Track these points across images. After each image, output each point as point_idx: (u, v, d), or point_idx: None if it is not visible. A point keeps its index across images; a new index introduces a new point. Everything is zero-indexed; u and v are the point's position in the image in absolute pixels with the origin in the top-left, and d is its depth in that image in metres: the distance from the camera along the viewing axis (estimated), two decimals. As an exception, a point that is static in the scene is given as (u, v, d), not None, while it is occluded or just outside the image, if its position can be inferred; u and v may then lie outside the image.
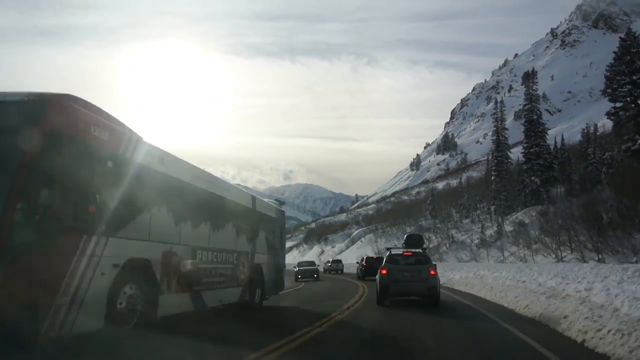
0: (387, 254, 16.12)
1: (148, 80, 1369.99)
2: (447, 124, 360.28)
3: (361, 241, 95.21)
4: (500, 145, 68.19)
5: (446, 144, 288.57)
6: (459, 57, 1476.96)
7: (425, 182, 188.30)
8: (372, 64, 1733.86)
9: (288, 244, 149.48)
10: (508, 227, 52.37)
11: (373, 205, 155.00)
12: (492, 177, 68.53)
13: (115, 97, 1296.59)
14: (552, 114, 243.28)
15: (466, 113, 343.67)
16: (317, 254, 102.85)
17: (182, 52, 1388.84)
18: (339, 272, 49.07)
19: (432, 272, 14.51)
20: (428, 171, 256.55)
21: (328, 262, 54.74)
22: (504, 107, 75.95)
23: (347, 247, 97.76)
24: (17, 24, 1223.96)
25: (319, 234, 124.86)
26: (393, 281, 14.44)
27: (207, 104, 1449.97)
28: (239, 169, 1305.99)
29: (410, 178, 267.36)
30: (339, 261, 52.53)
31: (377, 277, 15.23)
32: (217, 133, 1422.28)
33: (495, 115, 72.95)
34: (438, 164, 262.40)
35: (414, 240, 17.37)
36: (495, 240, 51.67)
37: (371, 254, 51.82)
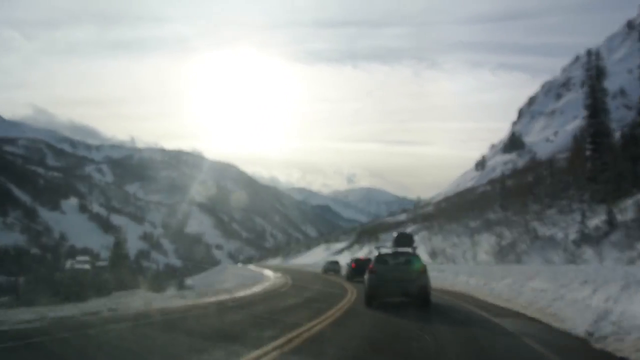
0: (376, 253, 15.97)
1: (216, 87, 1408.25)
2: (514, 123, 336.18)
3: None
4: (597, 110, 50.40)
5: (513, 142, 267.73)
6: (522, 58, 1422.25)
7: (492, 181, 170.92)
8: (433, 68, 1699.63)
9: (340, 245, 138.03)
10: (622, 216, 34.96)
11: (434, 205, 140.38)
12: (588, 153, 50.52)
13: (186, 104, 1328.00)
14: (629, 109, 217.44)
15: (534, 111, 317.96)
16: (365, 254, 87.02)
17: (247, 59, 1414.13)
18: (336, 272, 48.95)
19: (422, 272, 14.46)
20: (494, 171, 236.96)
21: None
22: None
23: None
24: (97, 38, 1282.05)
25: (371, 233, 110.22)
26: (382, 281, 14.46)
27: (272, 110, 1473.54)
28: (304, 172, 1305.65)
29: (475, 179, 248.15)
30: (336, 262, 52.40)
31: (366, 277, 15.16)
32: (282, 137, 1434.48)
33: (589, 72, 55.01)
34: (505, 164, 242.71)
35: (403, 240, 17.17)
36: (605, 234, 34.10)
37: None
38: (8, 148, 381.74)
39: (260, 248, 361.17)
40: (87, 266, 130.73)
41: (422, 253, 52.52)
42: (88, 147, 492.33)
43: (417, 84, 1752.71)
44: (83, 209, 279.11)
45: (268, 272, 50.13)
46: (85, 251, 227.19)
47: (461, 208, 76.37)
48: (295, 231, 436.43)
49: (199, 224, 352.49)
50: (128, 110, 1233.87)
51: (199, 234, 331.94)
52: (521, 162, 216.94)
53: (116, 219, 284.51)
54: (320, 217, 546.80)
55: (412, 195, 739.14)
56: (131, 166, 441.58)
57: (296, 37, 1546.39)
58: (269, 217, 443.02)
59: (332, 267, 49.81)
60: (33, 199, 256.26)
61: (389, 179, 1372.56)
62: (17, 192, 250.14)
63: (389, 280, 14.45)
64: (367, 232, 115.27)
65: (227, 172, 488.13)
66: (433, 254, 53.33)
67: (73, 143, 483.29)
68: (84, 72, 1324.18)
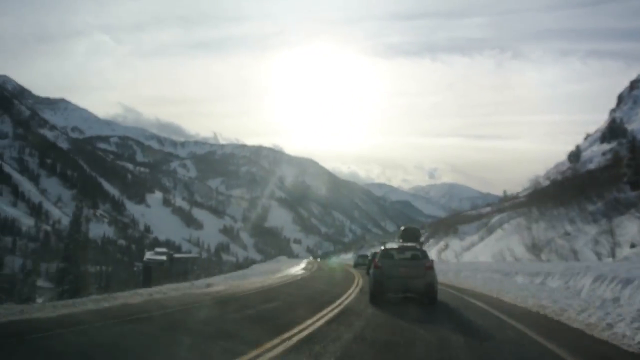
0: (381, 248, 15.55)
1: (295, 83, 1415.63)
2: (613, 110, 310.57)
3: (503, 229, 67.50)
4: None
5: (613, 131, 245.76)
6: (615, 44, 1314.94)
7: (590, 172, 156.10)
8: (517, 58, 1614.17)
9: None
10: None
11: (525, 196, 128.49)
12: None
13: (266, 101, 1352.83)
14: None
15: (637, 96, 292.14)
16: (439, 250, 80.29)
17: (325, 55, 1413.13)
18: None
19: (429, 268, 13.96)
20: (590, 162, 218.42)
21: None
22: None
23: (481, 238, 71.98)
24: (181, 38, 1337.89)
25: (449, 225, 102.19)
26: (387, 277, 13.89)
27: (351, 105, 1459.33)
28: (383, 167, 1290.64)
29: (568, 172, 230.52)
30: (366, 256, 50.06)
31: (371, 272, 15.04)
32: (361, 133, 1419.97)
33: None
34: (603, 154, 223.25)
35: (410, 234, 18.47)
36: None
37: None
38: (101, 145, 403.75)
39: (338, 243, 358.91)
40: (163, 257, 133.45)
41: (518, 246, 45.05)
42: (174, 143, 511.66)
43: (500, 75, 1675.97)
44: (167, 202, 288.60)
45: (297, 267, 48.14)
46: (167, 244, 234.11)
47: (570, 191, 57.61)
48: (375, 227, 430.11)
49: (278, 219, 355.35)
50: (210, 108, 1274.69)
51: (278, 228, 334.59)
52: (623, 152, 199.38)
53: (198, 213, 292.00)
54: (400, 213, 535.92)
55: (496, 191, 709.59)
56: (214, 161, 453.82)
57: (374, 31, 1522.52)
58: (348, 212, 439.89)
59: (361, 261, 49.32)
60: (121, 193, 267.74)
61: (472, 175, 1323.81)
62: (107, 186, 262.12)
63: (394, 277, 13.89)
64: (444, 225, 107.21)
65: (306, 168, 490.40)
66: (534, 248, 41.14)
67: (160, 140, 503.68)
68: (169, 72, 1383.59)
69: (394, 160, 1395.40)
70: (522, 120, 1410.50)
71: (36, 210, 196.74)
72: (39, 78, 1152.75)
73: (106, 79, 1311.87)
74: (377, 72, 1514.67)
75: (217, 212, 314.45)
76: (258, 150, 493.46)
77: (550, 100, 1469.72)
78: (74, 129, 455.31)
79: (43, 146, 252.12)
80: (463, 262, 47.76)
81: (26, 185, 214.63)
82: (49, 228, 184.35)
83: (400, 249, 15.60)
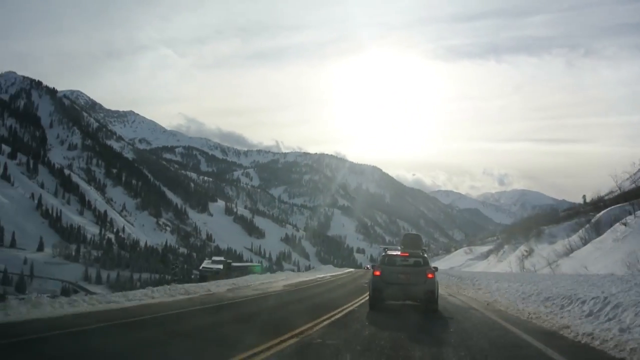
0: (382, 254, 15.60)
1: (355, 90, 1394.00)
2: None
3: (627, 224, 44.73)
4: None
5: None
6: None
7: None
8: (589, 56, 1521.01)
9: (485, 248, 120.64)
10: None
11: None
12: None
13: (326, 109, 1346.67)
14: None
15: None
16: (520, 257, 69.56)
17: (385, 61, 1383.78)
18: None
19: (430, 275, 13.92)
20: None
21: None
22: None
23: (584, 240, 52.86)
24: (240, 50, 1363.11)
25: (527, 227, 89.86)
26: (387, 284, 13.92)
27: (413, 111, 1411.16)
28: (449, 174, 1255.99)
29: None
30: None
31: (370, 279, 14.84)
32: (425, 139, 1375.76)
33: None
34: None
35: (411, 241, 16.90)
36: None
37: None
38: (167, 155, 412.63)
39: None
40: (220, 266, 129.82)
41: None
42: (237, 152, 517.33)
43: (571, 75, 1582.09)
44: (229, 211, 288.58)
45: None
46: (228, 252, 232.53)
47: None
48: (442, 235, 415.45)
49: (340, 227, 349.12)
50: (271, 117, 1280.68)
51: (341, 237, 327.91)
52: None
53: (259, 222, 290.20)
54: (469, 222, 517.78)
55: (572, 197, 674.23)
56: (276, 170, 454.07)
57: (434, 34, 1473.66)
58: (413, 221, 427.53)
59: None
60: (184, 202, 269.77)
61: (544, 181, 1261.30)
62: (170, 195, 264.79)
63: (394, 283, 13.85)
64: (523, 228, 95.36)
65: (370, 175, 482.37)
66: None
67: (223, 149, 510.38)
68: (230, 83, 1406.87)
69: (461, 166, 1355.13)
70: (597, 122, 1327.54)
71: (101, 219, 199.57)
72: (109, 92, 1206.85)
73: (170, 91, 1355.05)
74: (439, 76, 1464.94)
75: (279, 220, 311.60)
76: (320, 158, 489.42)
77: (627, 100, 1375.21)
78: (141, 140, 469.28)
79: (109, 156, 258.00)
80: (572, 275, 28.90)
81: (92, 194, 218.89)
82: (112, 236, 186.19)
83: (402, 256, 15.25)
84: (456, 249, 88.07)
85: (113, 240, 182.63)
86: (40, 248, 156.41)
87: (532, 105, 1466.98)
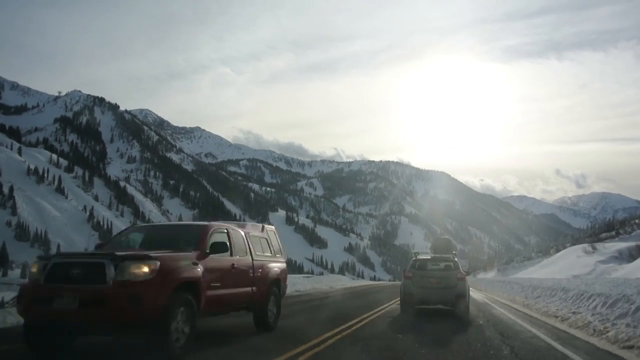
0: (413, 258, 15.21)
1: (412, 97, 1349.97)
2: None
3: None
4: None
5: None
6: None
7: None
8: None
9: (619, 245, 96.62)
10: None
11: None
12: None
13: (385, 117, 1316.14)
14: None
15: None
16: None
17: (439, 66, 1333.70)
18: None
19: (461, 279, 13.60)
20: None
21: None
22: None
23: None
24: (294, 63, 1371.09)
25: (602, 230, 67.98)
26: (418, 287, 13.60)
27: (474, 115, 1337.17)
28: (520, 178, 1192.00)
29: None
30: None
31: (401, 283, 14.62)
32: (490, 144, 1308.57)
33: None
34: None
35: (442, 245, 16.64)
36: None
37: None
38: (232, 168, 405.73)
39: (476, 261, 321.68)
40: None
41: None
42: (301, 163, 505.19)
43: None
44: (290, 221, 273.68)
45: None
46: (288, 263, 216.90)
47: None
48: (517, 242, 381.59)
49: (408, 235, 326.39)
50: (330, 129, 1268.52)
51: (409, 246, 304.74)
52: None
53: (322, 231, 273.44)
54: (546, 227, 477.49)
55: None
56: (340, 179, 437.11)
57: (486, 35, 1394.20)
58: (485, 227, 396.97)
59: None
60: (243, 212, 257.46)
61: (625, 183, 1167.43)
62: (229, 206, 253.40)
63: (424, 287, 13.55)
64: (597, 231, 72.66)
65: (437, 181, 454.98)
66: None
67: (287, 161, 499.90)
68: (287, 97, 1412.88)
69: (531, 170, 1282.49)
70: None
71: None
72: (174, 111, 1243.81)
73: (231, 108, 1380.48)
74: (497, 78, 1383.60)
75: (342, 229, 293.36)
76: (385, 165, 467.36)
77: None
78: (207, 154, 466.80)
79: (167, 168, 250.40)
80: None
81: (148, 205, 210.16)
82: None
83: (432, 260, 14.87)
84: (557, 250, 63.90)
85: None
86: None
87: (601, 104, 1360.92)
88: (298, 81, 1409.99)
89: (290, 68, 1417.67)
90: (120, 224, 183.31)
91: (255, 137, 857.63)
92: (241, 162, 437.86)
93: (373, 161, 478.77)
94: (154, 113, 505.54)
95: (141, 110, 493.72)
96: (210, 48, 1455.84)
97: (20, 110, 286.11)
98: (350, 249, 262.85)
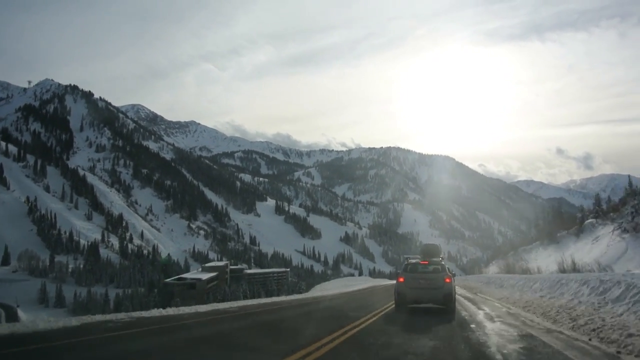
0: (405, 262, 16.16)
1: (396, 88, 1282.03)
2: None
3: None
4: None
5: None
6: None
7: None
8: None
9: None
10: None
11: None
12: None
13: (372, 108, 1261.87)
14: None
15: None
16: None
17: (420, 54, 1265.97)
18: None
19: (448, 280, 14.37)
20: None
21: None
22: None
23: None
24: (275, 57, 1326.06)
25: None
26: (410, 288, 14.45)
27: (462, 102, 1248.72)
28: (522, 163, 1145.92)
29: None
30: None
31: (395, 284, 15.41)
32: (483, 129, 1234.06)
33: None
34: None
35: (430, 250, 17.24)
36: None
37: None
38: (225, 160, 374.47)
39: (486, 248, 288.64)
40: (204, 276, 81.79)
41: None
42: (299, 154, 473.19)
43: (627, 46, 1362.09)
44: (280, 210, 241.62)
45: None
46: (274, 257, 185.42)
47: None
48: (529, 226, 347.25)
49: (412, 223, 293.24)
50: (321, 121, 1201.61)
51: (413, 234, 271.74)
52: None
53: (315, 220, 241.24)
54: (557, 211, 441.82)
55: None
56: (340, 167, 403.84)
57: (468, 20, 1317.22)
58: (495, 212, 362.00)
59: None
60: (227, 202, 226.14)
61: (632, 164, 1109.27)
62: (211, 195, 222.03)
63: (415, 288, 14.36)
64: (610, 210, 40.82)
65: (441, 166, 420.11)
66: None
67: (285, 152, 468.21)
68: (273, 91, 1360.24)
69: (531, 154, 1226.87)
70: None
71: (112, 224, 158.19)
72: (167, 106, 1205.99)
73: (220, 104, 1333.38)
74: (480, 62, 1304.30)
75: (338, 218, 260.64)
76: (387, 151, 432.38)
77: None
78: (202, 148, 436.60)
79: (141, 157, 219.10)
80: None
81: (111, 196, 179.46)
82: (116, 243, 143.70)
83: (422, 264, 15.50)
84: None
85: (116, 247, 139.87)
86: (6, 260, 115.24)
87: (589, 85, 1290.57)
88: (282, 75, 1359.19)
89: (272, 62, 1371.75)
90: (72, 218, 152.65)
91: (246, 132, 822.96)
92: (236, 155, 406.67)
93: (374, 148, 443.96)
94: (146, 108, 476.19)
95: (133, 106, 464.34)
96: (189, 45, 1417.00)
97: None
98: (347, 239, 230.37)
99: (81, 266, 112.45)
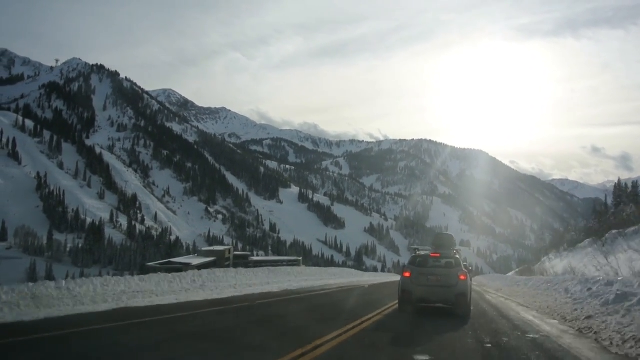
0: (412, 254, 13.67)
1: (426, 81, 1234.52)
2: None
3: None
4: None
5: None
6: None
7: None
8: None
9: None
10: None
11: None
12: None
13: (401, 102, 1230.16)
14: None
15: None
16: None
17: (448, 48, 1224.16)
18: None
19: (462, 277, 11.99)
20: None
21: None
22: None
23: None
24: (303, 47, 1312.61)
25: None
26: (416, 285, 12.10)
27: (493, 98, 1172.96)
28: (556, 161, 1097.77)
29: None
30: None
31: (400, 280, 12.85)
32: (515, 126, 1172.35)
33: None
34: None
35: (443, 241, 14.87)
36: None
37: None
38: (254, 147, 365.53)
39: (518, 246, 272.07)
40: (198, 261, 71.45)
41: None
42: (329, 143, 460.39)
43: None
44: (303, 198, 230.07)
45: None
46: (294, 245, 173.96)
47: None
48: (563, 226, 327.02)
49: (441, 217, 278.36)
50: (348, 113, 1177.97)
51: (442, 228, 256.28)
52: None
53: (339, 210, 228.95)
54: (593, 211, 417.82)
55: None
56: (369, 158, 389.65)
57: (498, 15, 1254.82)
58: (527, 209, 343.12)
59: None
60: (249, 187, 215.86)
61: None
62: (232, 180, 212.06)
63: (423, 285, 12.03)
64: None
65: (474, 160, 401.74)
66: None
67: (314, 141, 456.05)
68: (301, 81, 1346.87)
69: (564, 153, 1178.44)
70: None
71: (125, 204, 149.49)
72: (198, 92, 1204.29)
73: (248, 93, 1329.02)
74: (510, 59, 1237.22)
75: (364, 208, 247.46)
76: (418, 143, 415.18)
77: None
78: (231, 134, 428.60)
79: (163, 138, 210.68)
80: None
81: (127, 176, 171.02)
82: (125, 223, 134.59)
83: (432, 257, 13.06)
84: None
85: (124, 228, 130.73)
86: (3, 236, 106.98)
87: (625, 84, 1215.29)
88: (309, 66, 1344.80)
89: (300, 53, 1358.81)
90: (81, 195, 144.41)
91: (272, 120, 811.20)
92: (264, 142, 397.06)
93: (405, 140, 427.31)
94: (177, 93, 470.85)
95: (164, 90, 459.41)
96: (218, 34, 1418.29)
97: (14, 80, 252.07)
98: (371, 230, 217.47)
99: (79, 246, 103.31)
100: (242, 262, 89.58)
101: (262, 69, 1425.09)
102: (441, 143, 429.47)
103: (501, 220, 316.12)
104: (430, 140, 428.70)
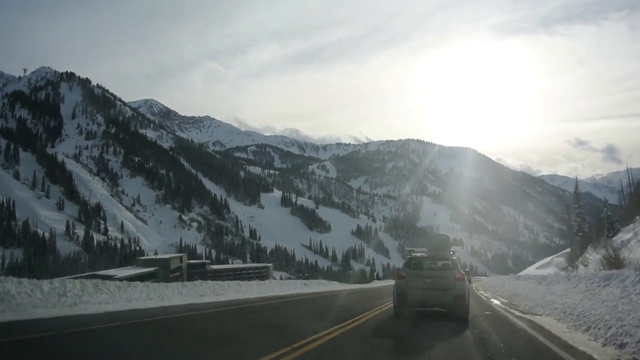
0: (407, 256, 12.85)
1: (404, 84, 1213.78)
2: None
3: None
4: None
5: None
6: None
7: None
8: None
9: None
10: None
11: None
12: None
13: (381, 105, 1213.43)
14: None
15: None
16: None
17: (426, 49, 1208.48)
18: None
19: (460, 279, 11.45)
20: None
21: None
22: None
23: None
24: (280, 54, 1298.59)
25: None
26: (412, 288, 11.42)
27: (474, 97, 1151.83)
28: (543, 157, 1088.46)
29: None
30: None
31: (395, 283, 12.29)
32: (504, 124, 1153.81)
33: None
34: None
35: (439, 242, 14.04)
36: None
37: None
38: (238, 154, 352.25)
39: (512, 242, 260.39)
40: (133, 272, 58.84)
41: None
42: (315, 148, 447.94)
43: (637, 39, 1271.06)
44: (286, 202, 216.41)
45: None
46: (275, 252, 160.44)
47: None
48: (557, 221, 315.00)
49: (432, 217, 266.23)
50: (330, 118, 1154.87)
51: (433, 228, 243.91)
52: None
53: (325, 213, 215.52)
54: (586, 205, 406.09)
55: None
56: (356, 161, 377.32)
57: (470, 14, 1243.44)
58: (520, 206, 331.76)
59: None
60: (227, 193, 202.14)
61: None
62: (210, 186, 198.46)
63: (419, 288, 11.40)
64: None
65: (462, 158, 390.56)
66: None
67: (301, 146, 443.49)
68: (280, 89, 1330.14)
69: (551, 149, 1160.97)
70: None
71: (87, 214, 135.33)
72: (180, 102, 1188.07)
73: (228, 102, 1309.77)
74: (485, 57, 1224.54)
75: (350, 210, 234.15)
76: (405, 143, 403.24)
77: None
78: (215, 142, 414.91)
79: (134, 144, 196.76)
80: None
81: (93, 185, 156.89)
82: (81, 233, 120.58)
83: (428, 258, 12.30)
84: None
85: (80, 239, 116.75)
86: None
87: (600, 79, 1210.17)
88: (288, 73, 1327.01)
89: (277, 60, 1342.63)
90: (36, 206, 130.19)
91: (267, 128, 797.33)
92: (249, 148, 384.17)
93: (392, 141, 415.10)
94: (159, 103, 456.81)
95: (146, 101, 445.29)
96: (194, 44, 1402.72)
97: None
98: (359, 233, 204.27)
99: (17, 260, 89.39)
100: (198, 272, 74.50)
101: (241, 78, 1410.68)
102: (429, 142, 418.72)
103: (493, 218, 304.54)
104: (417, 139, 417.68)
